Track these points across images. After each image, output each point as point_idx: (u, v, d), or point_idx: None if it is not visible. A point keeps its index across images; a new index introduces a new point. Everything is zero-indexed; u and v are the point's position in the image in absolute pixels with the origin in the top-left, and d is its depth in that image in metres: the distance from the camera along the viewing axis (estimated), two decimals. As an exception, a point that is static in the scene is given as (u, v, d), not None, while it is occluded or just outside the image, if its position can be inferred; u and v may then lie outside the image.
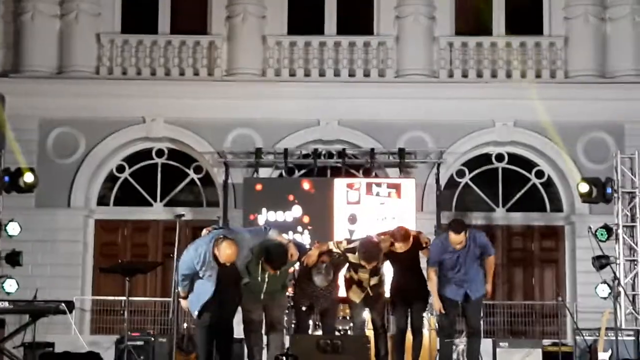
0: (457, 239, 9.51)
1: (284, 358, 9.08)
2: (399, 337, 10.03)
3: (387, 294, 9.98)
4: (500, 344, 12.91)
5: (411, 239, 9.86)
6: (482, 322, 12.70)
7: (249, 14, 17.53)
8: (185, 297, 8.92)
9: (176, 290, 9.08)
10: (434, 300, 9.77)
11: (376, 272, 9.73)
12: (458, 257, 9.62)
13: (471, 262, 9.64)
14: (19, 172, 14.81)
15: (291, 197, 16.18)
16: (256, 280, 9.10)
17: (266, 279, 9.12)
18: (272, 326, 9.39)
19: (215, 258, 8.63)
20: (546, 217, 17.52)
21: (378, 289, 9.81)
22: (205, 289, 8.72)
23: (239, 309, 9.16)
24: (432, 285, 9.74)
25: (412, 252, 9.97)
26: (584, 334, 12.31)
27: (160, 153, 17.75)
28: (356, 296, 9.81)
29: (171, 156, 17.74)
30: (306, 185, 16.53)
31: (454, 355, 11.78)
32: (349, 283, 9.83)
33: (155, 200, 17.63)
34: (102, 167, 17.53)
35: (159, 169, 17.74)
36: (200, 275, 8.70)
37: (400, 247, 9.86)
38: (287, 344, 9.65)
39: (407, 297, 9.89)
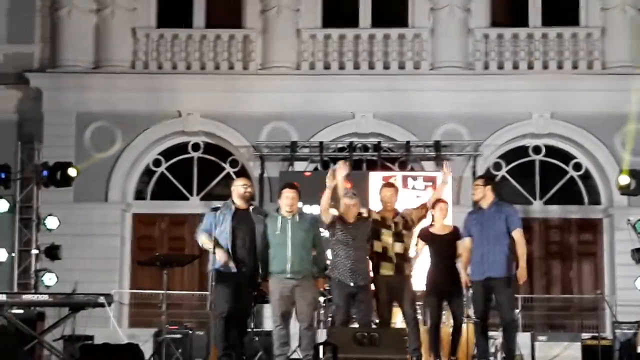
0: (475, 188, 9.41)
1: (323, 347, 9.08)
2: (433, 332, 9.94)
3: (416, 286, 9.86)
4: (539, 337, 12.83)
5: (444, 211, 9.81)
6: (518, 314, 12.69)
7: (283, 7, 17.52)
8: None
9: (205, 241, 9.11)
10: (462, 275, 9.59)
11: (399, 236, 9.58)
12: (482, 228, 9.29)
13: (494, 236, 9.19)
14: (57, 167, 14.96)
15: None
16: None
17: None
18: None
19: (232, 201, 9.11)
20: (584, 210, 17.36)
21: (403, 262, 9.53)
22: (223, 227, 8.98)
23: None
24: (462, 259, 9.57)
25: (450, 238, 9.88)
26: (624, 328, 12.20)
27: (196, 147, 17.82)
28: (388, 269, 9.60)
29: (207, 150, 17.80)
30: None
31: (492, 349, 11.73)
32: (378, 259, 9.60)
33: (191, 194, 17.70)
34: (139, 161, 17.63)
35: (195, 162, 17.82)
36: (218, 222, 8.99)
37: (438, 228, 9.82)
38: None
39: (442, 289, 9.79)
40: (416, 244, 9.92)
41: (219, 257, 8.98)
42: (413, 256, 9.84)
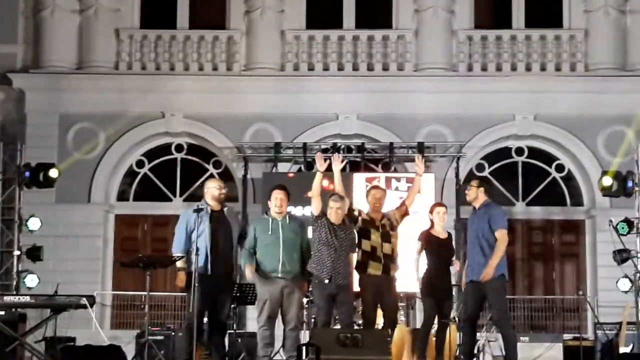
0: (468, 189, 9.48)
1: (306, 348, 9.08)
2: (424, 332, 10.00)
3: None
4: (521, 338, 12.86)
5: (441, 215, 9.92)
6: (499, 313, 12.68)
7: (268, 8, 17.52)
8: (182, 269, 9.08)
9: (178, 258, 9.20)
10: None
11: (387, 237, 9.61)
12: (472, 229, 9.34)
13: (475, 236, 9.27)
14: (40, 168, 14.87)
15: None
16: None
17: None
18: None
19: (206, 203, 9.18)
20: (566, 211, 17.44)
21: (390, 262, 9.57)
22: (201, 229, 9.06)
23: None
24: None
25: (449, 241, 10.02)
26: (605, 329, 12.24)
27: (179, 148, 17.79)
28: (376, 269, 9.63)
29: (190, 151, 17.78)
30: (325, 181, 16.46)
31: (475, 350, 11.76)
32: (366, 258, 9.61)
33: (174, 195, 17.67)
34: (122, 162, 17.59)
35: (179, 164, 17.79)
36: (195, 225, 9.03)
37: (440, 232, 9.89)
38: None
39: (440, 291, 9.85)
40: (419, 247, 9.97)
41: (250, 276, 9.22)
42: (415, 259, 9.89)
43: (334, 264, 9.35)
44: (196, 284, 8.99)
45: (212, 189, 9.37)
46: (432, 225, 10.09)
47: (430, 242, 9.93)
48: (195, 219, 9.17)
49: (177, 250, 9.28)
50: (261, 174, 16.90)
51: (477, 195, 9.45)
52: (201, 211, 9.33)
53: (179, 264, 9.24)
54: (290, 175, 16.72)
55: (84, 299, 9.91)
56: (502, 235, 9.25)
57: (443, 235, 10.06)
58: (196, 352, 9.55)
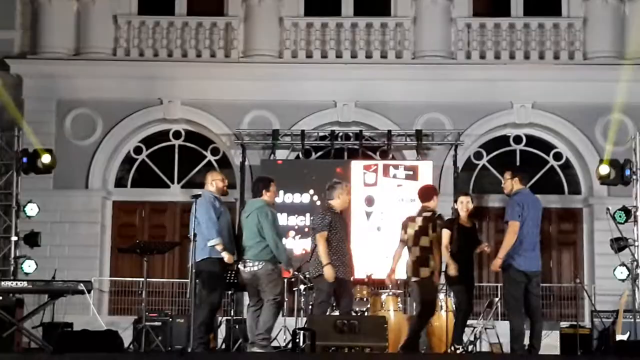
0: (504, 181, 9.64)
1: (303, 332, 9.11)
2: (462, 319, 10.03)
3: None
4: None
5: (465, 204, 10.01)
6: (497, 303, 12.75)
7: (266, -5, 17.48)
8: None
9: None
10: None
11: (425, 231, 9.68)
12: None
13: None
14: (37, 154, 14.86)
15: (312, 178, 16.10)
16: None
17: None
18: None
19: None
20: (564, 200, 17.45)
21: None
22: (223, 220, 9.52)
23: None
24: None
25: (473, 230, 10.05)
26: (602, 316, 12.26)
27: (177, 134, 17.78)
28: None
29: (188, 138, 17.76)
30: (324, 166, 16.53)
31: (471, 337, 11.79)
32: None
33: (172, 182, 17.66)
34: (120, 148, 17.58)
35: (176, 150, 17.77)
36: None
37: (465, 221, 9.97)
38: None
39: (467, 281, 9.90)
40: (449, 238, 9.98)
41: (229, 260, 9.44)
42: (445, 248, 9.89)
43: (345, 258, 9.52)
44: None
45: (218, 181, 9.68)
46: (458, 215, 10.10)
47: (459, 232, 9.92)
48: (216, 205, 9.47)
49: (217, 235, 9.40)
50: (259, 161, 16.89)
51: (512, 186, 9.49)
52: (199, 197, 9.49)
53: (220, 246, 9.40)
54: (279, 161, 16.72)
55: (82, 284, 9.91)
56: (509, 226, 9.30)
57: (468, 224, 10.08)
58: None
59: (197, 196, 9.76)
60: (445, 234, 9.81)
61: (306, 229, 15.59)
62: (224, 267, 9.64)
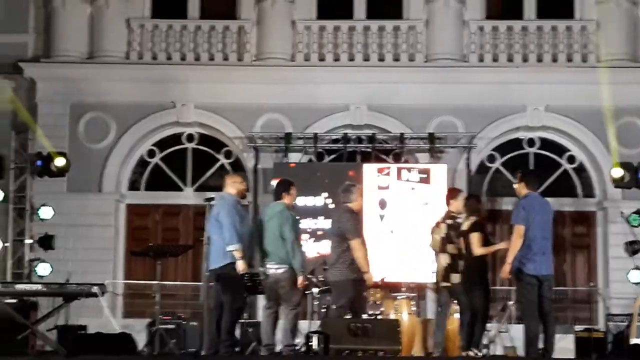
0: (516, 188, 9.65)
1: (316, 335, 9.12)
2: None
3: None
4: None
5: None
6: (512, 306, 12.71)
7: (279, -2, 17.50)
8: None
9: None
10: None
11: (449, 239, 9.67)
12: None
13: None
14: (51, 157, 14.92)
15: (325, 181, 16.08)
16: None
17: None
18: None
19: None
20: (578, 203, 17.38)
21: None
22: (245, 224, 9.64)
23: None
24: None
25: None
26: (617, 320, 12.23)
27: (190, 138, 17.80)
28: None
29: (201, 141, 17.78)
30: (336, 170, 16.54)
31: (485, 340, 11.76)
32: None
33: (185, 185, 17.69)
34: (133, 152, 17.60)
35: (190, 153, 17.79)
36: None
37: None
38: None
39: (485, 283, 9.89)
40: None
41: (243, 269, 9.44)
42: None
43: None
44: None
45: (239, 184, 9.75)
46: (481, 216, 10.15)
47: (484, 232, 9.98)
48: (238, 208, 9.56)
49: (239, 241, 9.41)
50: (272, 164, 16.89)
51: (520, 191, 9.51)
52: (212, 200, 9.51)
53: (238, 253, 9.36)
54: (292, 164, 16.74)
55: (96, 287, 9.96)
56: (514, 230, 9.32)
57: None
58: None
59: (210, 199, 9.78)
60: (475, 237, 9.75)
61: (319, 232, 15.60)
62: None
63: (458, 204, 10.17)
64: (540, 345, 9.38)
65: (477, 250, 9.66)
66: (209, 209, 9.80)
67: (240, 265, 9.35)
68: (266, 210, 9.75)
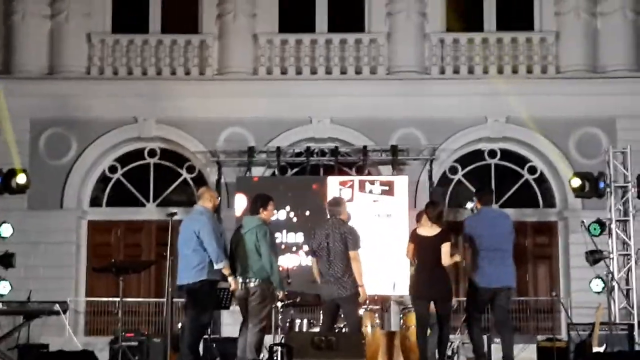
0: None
1: (280, 348, 9.10)
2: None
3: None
4: (495, 339, 12.88)
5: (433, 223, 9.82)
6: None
7: (240, 12, 17.50)
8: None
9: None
10: None
11: None
12: None
13: None
14: (12, 174, 14.74)
15: (288, 194, 16.07)
16: None
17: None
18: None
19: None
20: (539, 213, 17.52)
21: None
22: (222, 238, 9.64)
23: None
24: None
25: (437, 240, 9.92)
26: (579, 329, 12.30)
27: (152, 153, 17.72)
28: None
29: (163, 156, 17.71)
30: (300, 183, 16.55)
31: (448, 352, 11.80)
32: None
33: (148, 201, 17.59)
34: (94, 167, 17.49)
35: (152, 169, 17.71)
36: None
37: (425, 229, 9.85)
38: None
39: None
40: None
41: (235, 286, 9.45)
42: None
43: None
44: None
45: (214, 198, 9.79)
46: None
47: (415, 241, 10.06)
48: (217, 222, 9.64)
49: (225, 258, 9.43)
50: (235, 178, 16.86)
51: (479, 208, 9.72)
52: (175, 215, 9.48)
53: (227, 270, 9.42)
54: (255, 178, 16.71)
55: (57, 305, 9.86)
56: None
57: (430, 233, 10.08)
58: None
59: (173, 214, 9.74)
60: (446, 247, 9.81)
61: (283, 246, 15.57)
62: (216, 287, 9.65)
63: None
64: (500, 355, 9.54)
65: (448, 260, 9.71)
66: (171, 224, 9.75)
67: (233, 284, 9.38)
68: (243, 223, 9.69)
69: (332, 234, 9.56)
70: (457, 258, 9.88)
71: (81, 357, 9.74)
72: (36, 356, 10.09)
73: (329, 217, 9.72)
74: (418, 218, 10.28)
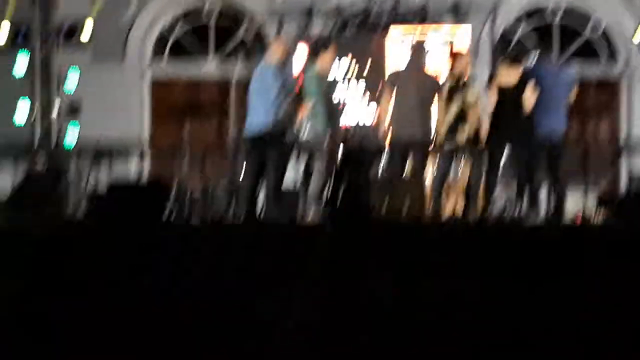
0: None
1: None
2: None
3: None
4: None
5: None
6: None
7: None
8: None
9: None
10: None
11: None
12: None
13: None
14: (77, 27, 14.94)
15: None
16: None
17: None
18: None
19: None
20: (602, 69, 17.27)
21: None
22: None
23: None
24: None
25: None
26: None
27: (213, 10, 17.67)
28: None
29: (223, 13, 17.66)
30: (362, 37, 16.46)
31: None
32: None
33: (209, 58, 17.65)
34: (155, 23, 17.52)
35: (213, 26, 17.69)
36: None
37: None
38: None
39: None
40: None
41: None
42: None
43: None
44: None
45: (283, 50, 9.96)
46: None
47: None
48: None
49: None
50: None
51: None
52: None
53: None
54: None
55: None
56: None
57: None
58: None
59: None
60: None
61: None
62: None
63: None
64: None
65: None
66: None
67: None
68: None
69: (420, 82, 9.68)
70: None
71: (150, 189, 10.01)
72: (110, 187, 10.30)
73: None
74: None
